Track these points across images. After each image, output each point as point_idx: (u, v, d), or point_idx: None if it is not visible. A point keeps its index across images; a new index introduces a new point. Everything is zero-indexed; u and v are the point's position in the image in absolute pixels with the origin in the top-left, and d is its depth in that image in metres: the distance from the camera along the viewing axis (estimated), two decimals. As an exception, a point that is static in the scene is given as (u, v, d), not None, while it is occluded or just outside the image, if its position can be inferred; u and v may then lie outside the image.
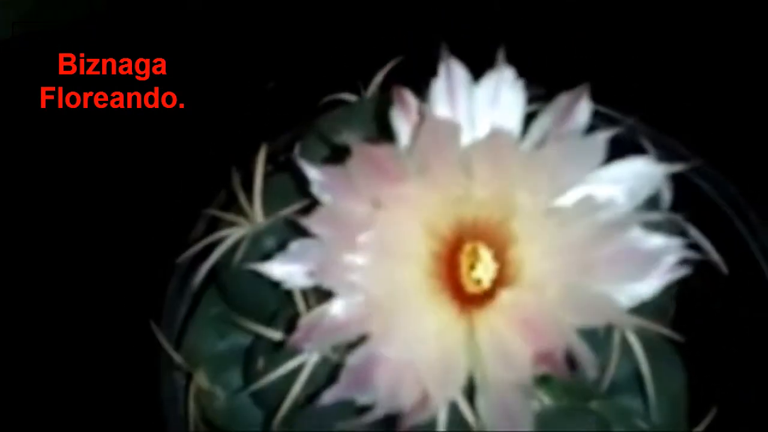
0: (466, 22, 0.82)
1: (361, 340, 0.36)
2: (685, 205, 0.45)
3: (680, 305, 0.49)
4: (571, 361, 0.34)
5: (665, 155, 0.50)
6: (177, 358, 0.49)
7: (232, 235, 0.45)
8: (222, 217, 0.46)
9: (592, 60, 0.81)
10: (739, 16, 0.82)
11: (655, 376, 0.40)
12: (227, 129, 0.77)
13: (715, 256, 0.45)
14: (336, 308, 0.36)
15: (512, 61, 0.38)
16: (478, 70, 0.39)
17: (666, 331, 0.41)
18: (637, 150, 0.46)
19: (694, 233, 0.44)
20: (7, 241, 0.76)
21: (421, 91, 0.38)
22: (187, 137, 0.78)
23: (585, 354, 0.34)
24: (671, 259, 0.35)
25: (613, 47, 0.83)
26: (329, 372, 0.39)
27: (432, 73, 0.38)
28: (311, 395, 0.39)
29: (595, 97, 0.39)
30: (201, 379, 0.48)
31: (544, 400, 0.43)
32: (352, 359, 0.35)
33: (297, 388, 0.40)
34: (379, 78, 0.50)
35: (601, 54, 0.82)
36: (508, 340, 0.35)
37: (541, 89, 0.41)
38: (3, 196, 0.79)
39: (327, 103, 0.52)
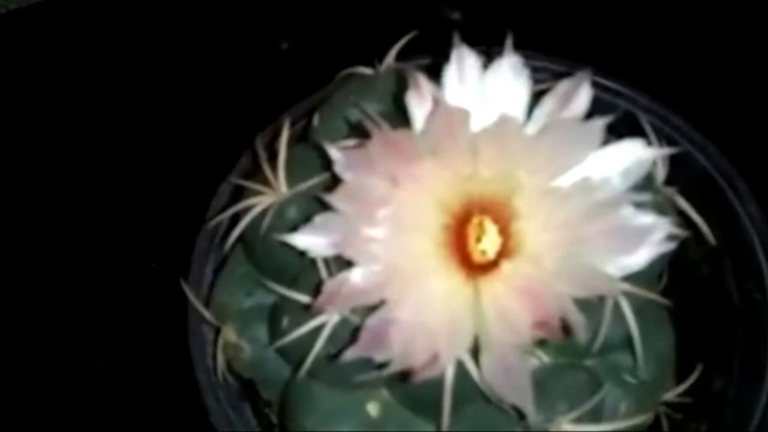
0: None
1: (379, 304, 0.38)
2: (678, 175, 0.48)
3: (672, 272, 0.52)
4: (566, 327, 0.38)
5: (663, 128, 0.53)
6: (206, 313, 0.51)
7: (259, 204, 0.46)
8: (247, 186, 0.48)
9: (598, 35, 0.81)
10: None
11: (643, 337, 0.42)
12: (243, 92, 0.77)
13: (704, 228, 0.48)
14: (356, 276, 0.38)
15: (522, 35, 0.39)
16: (490, 43, 0.41)
17: (654, 297, 0.43)
18: (634, 124, 0.48)
19: (685, 206, 0.48)
20: (41, 203, 0.76)
21: (435, 67, 0.39)
22: (205, 99, 0.78)
23: (577, 320, 0.37)
24: (659, 235, 0.37)
25: (619, 23, 0.82)
26: (349, 332, 0.41)
27: (446, 47, 0.39)
28: (332, 354, 0.41)
29: (600, 70, 0.41)
30: (229, 333, 0.50)
31: (542, 358, 0.46)
32: (370, 321, 0.37)
33: (319, 345, 0.42)
34: (393, 53, 0.51)
35: (608, 29, 0.82)
36: (510, 306, 0.37)
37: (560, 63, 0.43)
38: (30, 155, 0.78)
39: (344, 76, 0.52)
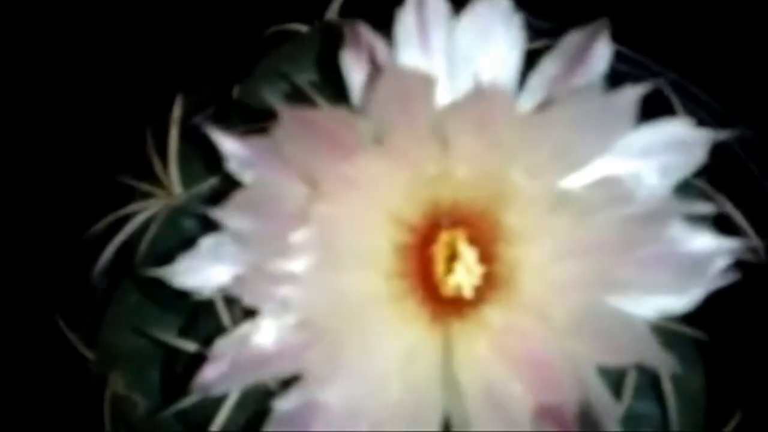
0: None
1: (296, 378, 0.30)
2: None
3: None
4: (587, 416, 0.26)
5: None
6: (89, 356, 0.45)
7: (144, 210, 0.40)
8: (136, 187, 0.42)
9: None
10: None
11: (674, 380, 0.37)
12: (145, 68, 0.68)
13: (757, 243, 0.39)
14: (262, 334, 0.30)
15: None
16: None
17: (693, 332, 0.37)
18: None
19: (737, 218, 0.37)
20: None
21: (387, 27, 0.33)
22: (97, 79, 0.69)
23: (606, 405, 0.26)
24: (720, 263, 0.30)
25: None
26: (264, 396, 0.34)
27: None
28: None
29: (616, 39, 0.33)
30: (117, 383, 0.44)
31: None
32: (283, 405, 0.29)
33: (223, 416, 0.35)
34: (336, 5, 0.45)
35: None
36: (500, 381, 0.29)
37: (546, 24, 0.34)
38: None
39: (271, 36, 0.46)
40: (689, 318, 0.41)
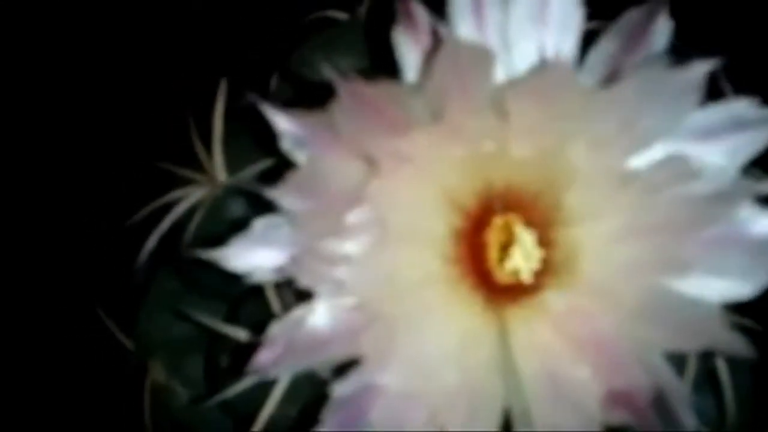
0: None
1: (354, 361, 0.29)
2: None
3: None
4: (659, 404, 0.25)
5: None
6: (127, 344, 0.45)
7: (187, 198, 0.40)
8: (177, 173, 0.42)
9: None
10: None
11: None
12: (188, 54, 0.69)
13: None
14: (317, 316, 0.29)
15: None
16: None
17: (751, 324, 0.36)
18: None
19: None
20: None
21: (439, 7, 0.33)
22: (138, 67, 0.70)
23: (679, 393, 0.25)
24: None
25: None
26: (313, 385, 0.34)
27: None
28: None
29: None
30: (156, 371, 0.43)
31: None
32: (341, 389, 0.28)
33: (270, 407, 0.35)
34: None
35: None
36: (563, 366, 0.28)
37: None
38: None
39: (311, 23, 0.46)
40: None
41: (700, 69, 0.28)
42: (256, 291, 0.37)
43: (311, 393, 0.34)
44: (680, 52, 0.33)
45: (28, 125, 0.70)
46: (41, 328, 0.64)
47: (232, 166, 0.40)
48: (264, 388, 0.35)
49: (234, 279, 0.38)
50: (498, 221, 0.32)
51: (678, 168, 0.28)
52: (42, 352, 0.63)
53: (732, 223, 0.28)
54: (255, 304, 0.37)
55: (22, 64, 0.71)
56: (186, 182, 0.41)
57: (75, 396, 0.61)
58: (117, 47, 0.71)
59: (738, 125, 0.30)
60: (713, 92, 0.38)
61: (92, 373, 0.54)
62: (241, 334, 0.36)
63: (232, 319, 0.38)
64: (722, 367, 0.36)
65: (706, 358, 0.35)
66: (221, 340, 0.40)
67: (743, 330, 0.39)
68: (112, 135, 0.67)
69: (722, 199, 0.28)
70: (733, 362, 0.37)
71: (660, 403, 0.25)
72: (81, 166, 0.68)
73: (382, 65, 0.34)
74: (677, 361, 0.35)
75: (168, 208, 0.42)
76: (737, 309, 0.41)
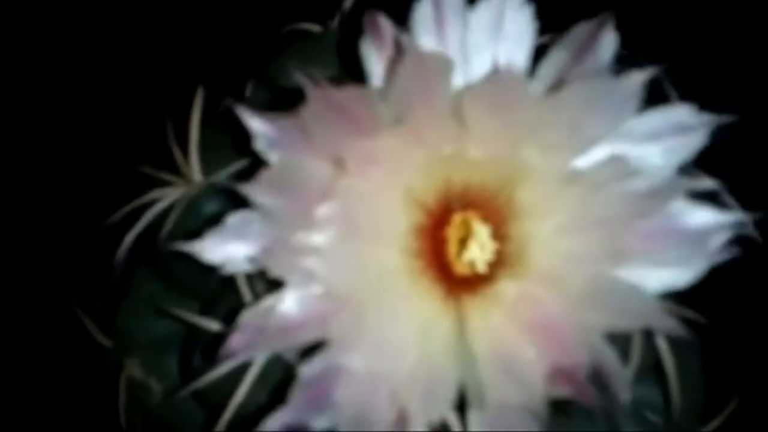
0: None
1: (320, 345, 0.31)
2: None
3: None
4: (598, 378, 0.27)
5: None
6: (106, 343, 0.45)
7: (164, 198, 0.41)
8: (153, 175, 0.43)
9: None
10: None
11: (675, 363, 0.37)
12: (165, 63, 0.69)
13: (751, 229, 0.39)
14: (287, 303, 0.30)
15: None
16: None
17: (693, 315, 0.36)
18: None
19: (730, 201, 0.38)
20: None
21: (403, 20, 0.34)
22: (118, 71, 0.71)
23: (616, 369, 0.27)
24: (721, 238, 0.30)
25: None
26: (283, 371, 0.34)
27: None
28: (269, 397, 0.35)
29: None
30: (133, 368, 0.44)
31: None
32: (307, 371, 0.30)
33: (241, 393, 0.36)
34: (348, 3, 0.45)
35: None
36: (513, 347, 0.30)
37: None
38: None
39: (286, 35, 0.47)
40: (685, 300, 0.42)
41: (638, 78, 0.30)
42: (231, 288, 0.38)
43: (280, 378, 0.34)
44: (627, 60, 0.35)
45: (7, 127, 0.70)
46: (19, 326, 0.64)
47: (208, 169, 0.40)
48: (236, 377, 0.35)
49: (209, 275, 0.39)
50: (457, 218, 0.33)
51: (618, 167, 0.29)
52: (19, 350, 0.63)
53: (668, 216, 0.30)
54: (228, 299, 0.37)
55: (1, 68, 0.71)
56: (164, 184, 0.41)
57: (51, 394, 0.61)
58: (98, 53, 0.71)
59: (677, 129, 0.32)
60: (659, 96, 0.40)
61: (69, 370, 0.54)
62: (215, 326, 0.36)
63: (206, 314, 0.38)
64: (666, 355, 0.36)
65: (653, 347, 0.36)
66: (195, 337, 0.40)
67: (685, 320, 0.41)
68: (92, 138, 0.67)
69: (658, 194, 0.29)
70: (679, 350, 0.38)
71: (599, 379, 0.27)
72: (61, 168, 0.67)
73: (352, 74, 0.35)
74: (622, 348, 0.37)
75: (146, 208, 0.42)
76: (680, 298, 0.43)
